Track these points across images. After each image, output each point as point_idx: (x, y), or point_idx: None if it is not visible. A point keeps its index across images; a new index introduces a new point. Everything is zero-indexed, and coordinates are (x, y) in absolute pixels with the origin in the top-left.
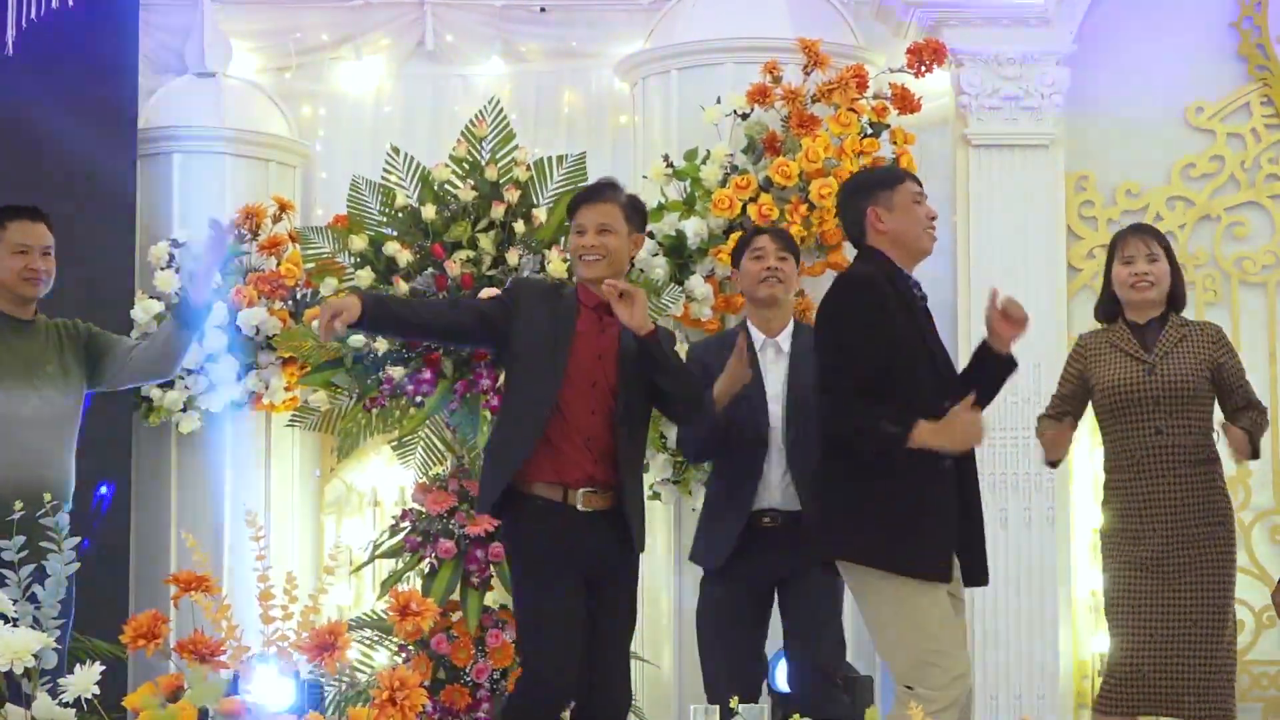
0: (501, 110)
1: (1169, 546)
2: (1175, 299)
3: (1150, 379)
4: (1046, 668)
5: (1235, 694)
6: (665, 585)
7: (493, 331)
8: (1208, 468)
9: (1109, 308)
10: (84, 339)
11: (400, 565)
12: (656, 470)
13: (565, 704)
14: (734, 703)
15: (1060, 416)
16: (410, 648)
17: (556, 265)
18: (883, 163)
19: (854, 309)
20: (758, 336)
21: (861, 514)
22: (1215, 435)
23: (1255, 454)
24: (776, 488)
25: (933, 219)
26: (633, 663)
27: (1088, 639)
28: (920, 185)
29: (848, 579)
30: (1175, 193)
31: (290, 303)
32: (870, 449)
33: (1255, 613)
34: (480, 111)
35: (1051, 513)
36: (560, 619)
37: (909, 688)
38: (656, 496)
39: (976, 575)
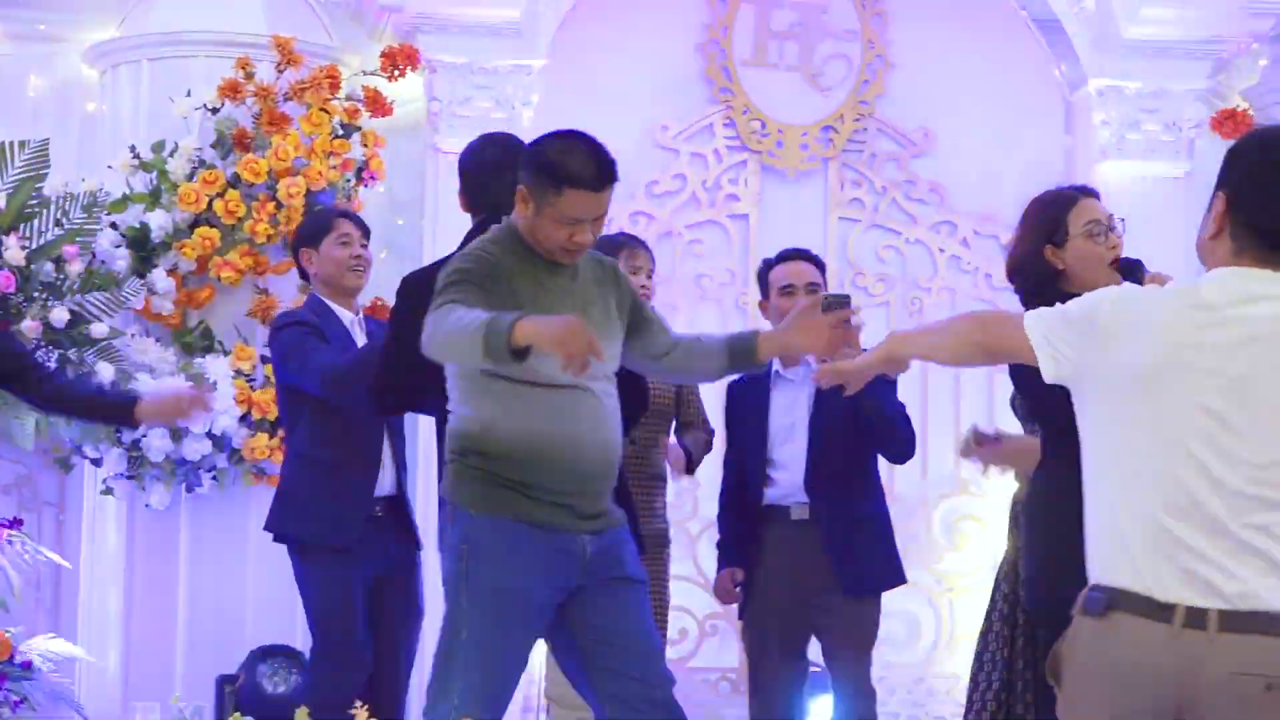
0: None
1: None
2: None
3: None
4: None
5: None
6: (114, 582)
7: None
8: (661, 483)
9: None
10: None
11: None
12: (110, 465)
13: None
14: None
15: None
16: None
17: (14, 253)
18: (353, 165)
19: None
20: (346, 316)
21: None
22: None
23: (691, 470)
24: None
25: None
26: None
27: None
28: None
29: None
30: (639, 208)
31: None
32: None
33: (699, 620)
34: None
35: None
36: None
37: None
38: (109, 492)
39: None
